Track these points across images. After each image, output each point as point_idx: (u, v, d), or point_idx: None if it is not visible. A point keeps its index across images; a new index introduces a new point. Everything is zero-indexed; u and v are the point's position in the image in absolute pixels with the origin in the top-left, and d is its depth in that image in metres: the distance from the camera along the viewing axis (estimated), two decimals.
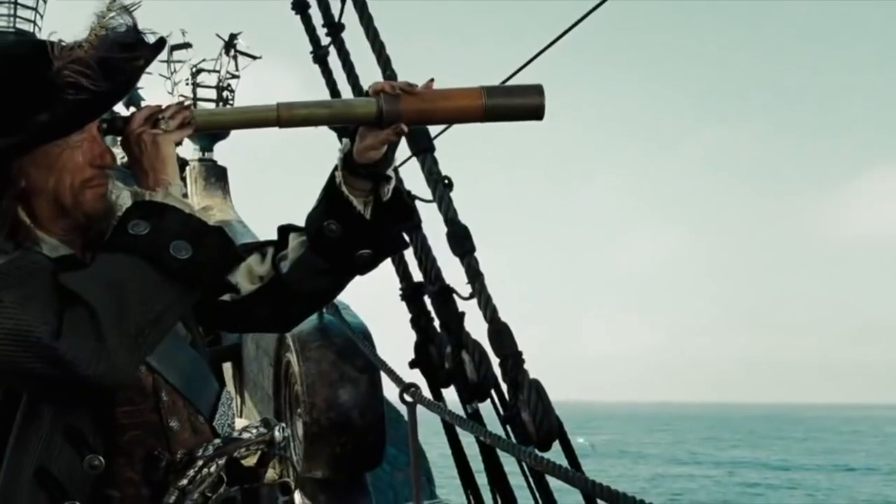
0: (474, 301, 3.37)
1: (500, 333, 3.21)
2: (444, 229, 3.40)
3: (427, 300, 3.79)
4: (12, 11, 13.54)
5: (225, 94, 12.45)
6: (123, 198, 2.05)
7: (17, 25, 13.54)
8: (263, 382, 5.10)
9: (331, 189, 2.14)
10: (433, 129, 3.49)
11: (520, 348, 3.20)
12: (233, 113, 2.10)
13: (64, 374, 1.73)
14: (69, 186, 1.97)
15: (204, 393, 2.09)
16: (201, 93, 12.06)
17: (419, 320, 3.84)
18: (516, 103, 2.06)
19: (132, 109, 2.12)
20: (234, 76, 11.99)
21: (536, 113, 2.06)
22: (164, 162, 1.96)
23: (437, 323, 3.75)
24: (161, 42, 1.96)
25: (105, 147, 2.01)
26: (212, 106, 13.77)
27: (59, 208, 1.99)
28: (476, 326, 3.49)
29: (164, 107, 2.00)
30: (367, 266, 2.22)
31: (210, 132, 2.08)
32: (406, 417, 3.29)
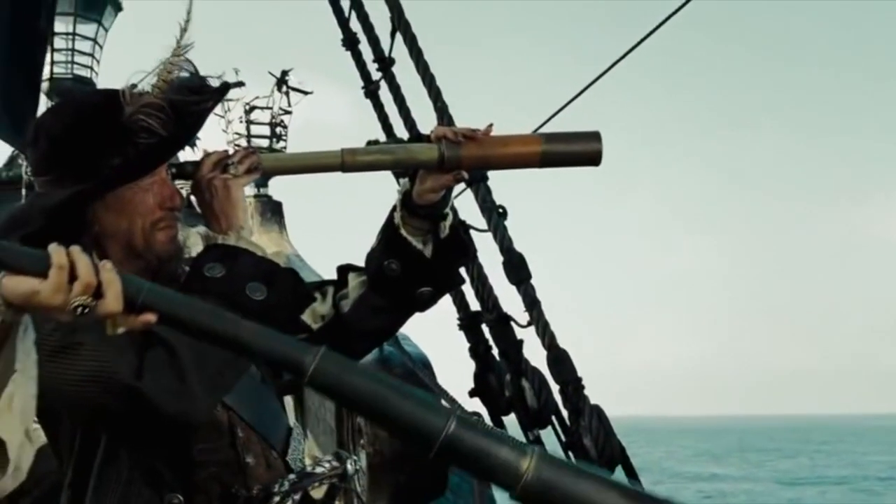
0: (530, 327, 3.38)
1: (560, 360, 3.21)
2: (499, 257, 3.42)
3: (485, 328, 3.80)
4: (70, 58, 13.90)
5: (278, 130, 12.68)
6: (192, 240, 2.10)
7: (75, 71, 13.89)
8: (325, 415, 5.15)
9: (389, 229, 2.18)
10: None
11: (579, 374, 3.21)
12: (299, 158, 2.15)
13: (146, 413, 1.78)
14: (141, 229, 2.03)
15: (276, 429, 2.13)
16: (254, 129, 12.30)
17: (478, 349, 3.84)
18: (574, 150, 2.09)
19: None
20: (286, 112, 12.21)
21: (593, 159, 2.09)
22: (235, 206, 2.03)
23: (495, 351, 3.76)
24: (225, 86, 2.03)
25: (174, 189, 2.07)
26: (265, 142, 14.07)
27: (131, 250, 2.04)
28: (533, 353, 3.51)
29: (231, 152, 2.06)
30: (427, 303, 2.26)
31: (276, 176, 2.13)
32: None
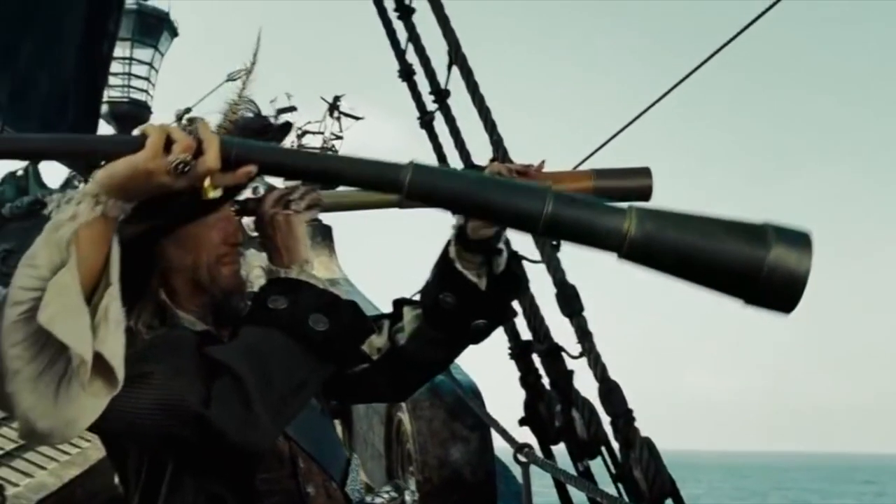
0: (578, 359, 3.40)
1: (611, 392, 3.22)
2: (552, 287, 3.44)
3: (535, 358, 3.82)
4: (127, 82, 14.16)
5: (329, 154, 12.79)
6: (255, 274, 2.16)
7: (132, 95, 14.15)
8: (374, 440, 5.19)
9: (444, 263, 2.22)
10: None
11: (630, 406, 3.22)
12: (357, 195, 2.20)
13: (213, 441, 1.83)
14: (206, 264, 2.09)
15: (336, 459, 2.18)
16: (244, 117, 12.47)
17: (528, 378, 3.87)
18: (625, 185, 2.12)
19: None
20: (337, 137, 12.30)
21: (644, 195, 2.12)
22: (297, 241, 2.08)
23: (545, 381, 3.78)
24: (287, 125, 2.10)
25: (238, 226, 2.14)
26: None
27: (196, 285, 2.11)
28: (583, 384, 3.52)
29: (292, 189, 2.12)
30: (481, 335, 2.29)
31: (335, 212, 2.19)
32: (510, 472, 3.32)
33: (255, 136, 2.02)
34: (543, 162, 2.15)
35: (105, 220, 1.62)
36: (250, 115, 2.08)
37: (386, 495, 2.11)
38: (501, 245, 2.21)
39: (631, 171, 2.13)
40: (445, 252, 2.23)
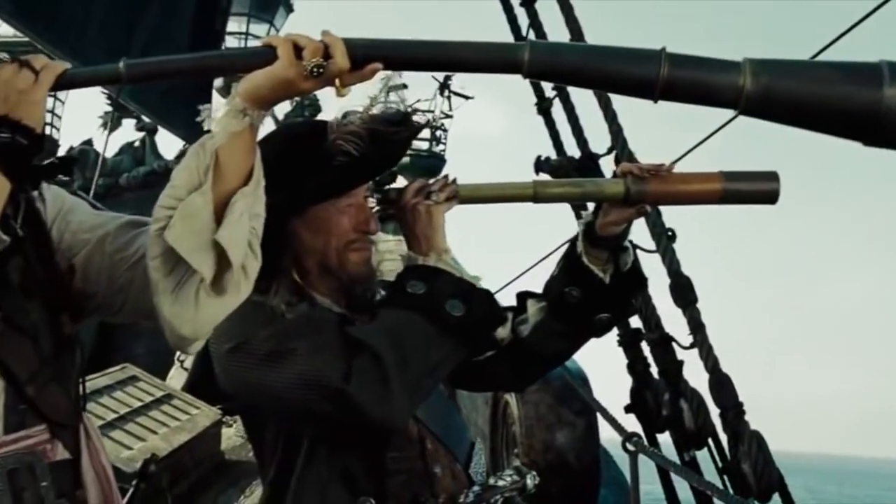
0: (689, 350, 3.41)
1: (722, 384, 3.23)
2: (664, 278, 3.45)
3: (644, 347, 3.84)
4: None
5: (437, 133, 12.88)
6: (385, 266, 2.26)
7: None
8: (477, 420, 5.24)
9: (572, 257, 2.28)
10: None
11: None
12: (493, 188, 2.26)
13: (352, 415, 1.93)
14: (335, 248, 2.16)
15: (461, 443, 2.25)
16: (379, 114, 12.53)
17: (636, 366, 3.88)
18: (753, 189, 2.12)
19: None
20: (447, 116, 12.38)
21: (771, 199, 2.12)
22: (436, 230, 2.16)
23: (653, 370, 3.80)
24: (425, 122, 2.17)
25: (370, 215, 2.21)
26: (425, 145, 14.31)
27: (325, 268, 2.19)
28: (692, 376, 3.53)
29: (431, 182, 2.21)
30: (603, 329, 2.35)
31: (472, 204, 2.25)
32: (609, 457, 3.34)
33: (389, 127, 2.11)
34: (673, 164, 2.18)
35: (252, 129, 1.74)
36: (393, 109, 2.15)
37: (508, 478, 2.16)
38: (628, 242, 2.26)
39: (759, 174, 2.13)
40: (573, 247, 2.29)
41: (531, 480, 2.15)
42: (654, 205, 2.21)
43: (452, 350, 2.04)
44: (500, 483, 2.15)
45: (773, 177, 2.11)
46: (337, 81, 1.68)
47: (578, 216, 2.36)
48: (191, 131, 10.49)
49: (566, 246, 2.34)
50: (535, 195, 2.20)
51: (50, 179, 1.80)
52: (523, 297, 2.40)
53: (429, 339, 2.00)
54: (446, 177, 2.22)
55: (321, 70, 1.65)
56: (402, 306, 2.04)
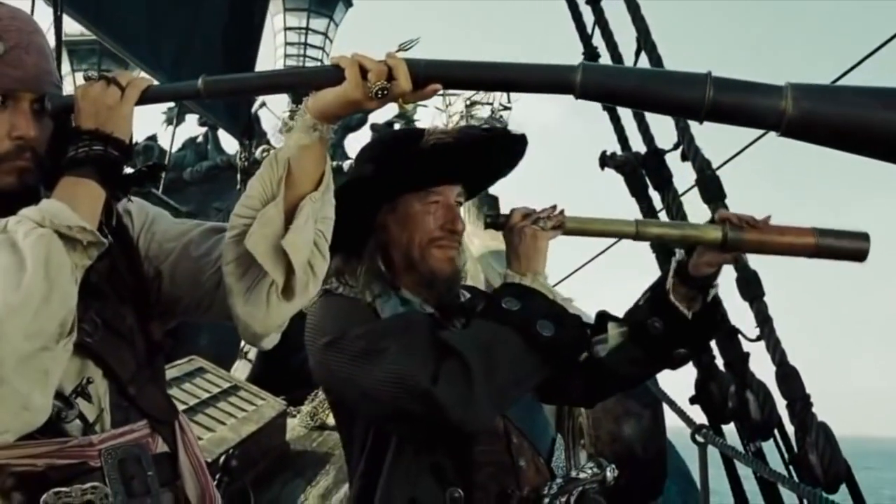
0: (756, 342, 3.42)
1: (789, 377, 3.25)
2: (731, 273, 3.46)
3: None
4: (303, 52, 14.63)
5: (497, 125, 12.86)
6: (471, 271, 2.35)
7: (307, 65, 14.58)
8: (544, 411, 5.29)
9: (659, 291, 2.38)
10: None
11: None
12: (597, 223, 2.33)
13: (436, 415, 2.02)
14: (418, 243, 2.29)
15: (544, 437, 2.33)
16: (474, 124, 12.54)
17: (702, 358, 3.89)
18: (844, 247, 2.19)
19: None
20: (505, 108, 12.38)
21: (860, 257, 2.18)
22: (538, 253, 2.25)
23: (718, 361, 3.81)
24: (519, 136, 2.31)
25: (457, 215, 2.32)
26: None
27: (409, 261, 2.31)
28: (758, 369, 3.55)
29: (540, 210, 2.30)
30: (680, 362, 2.46)
31: (575, 235, 2.34)
32: (673, 448, 3.37)
33: (476, 132, 2.21)
34: (769, 216, 2.27)
35: (321, 141, 1.86)
36: (482, 122, 2.28)
37: (589, 471, 2.22)
38: (716, 284, 2.36)
39: (851, 233, 2.20)
40: (661, 281, 2.40)
41: (611, 473, 2.22)
42: (749, 252, 2.31)
43: (537, 366, 2.13)
44: (582, 476, 2.22)
45: (864, 237, 2.18)
46: (399, 100, 1.79)
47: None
48: (234, 126, 10.75)
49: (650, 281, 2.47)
50: (637, 233, 2.31)
51: (140, 187, 1.91)
52: (603, 318, 2.49)
53: (516, 354, 2.09)
54: (554, 206, 2.30)
55: (385, 92, 1.75)
56: (495, 319, 2.13)
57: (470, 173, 2.38)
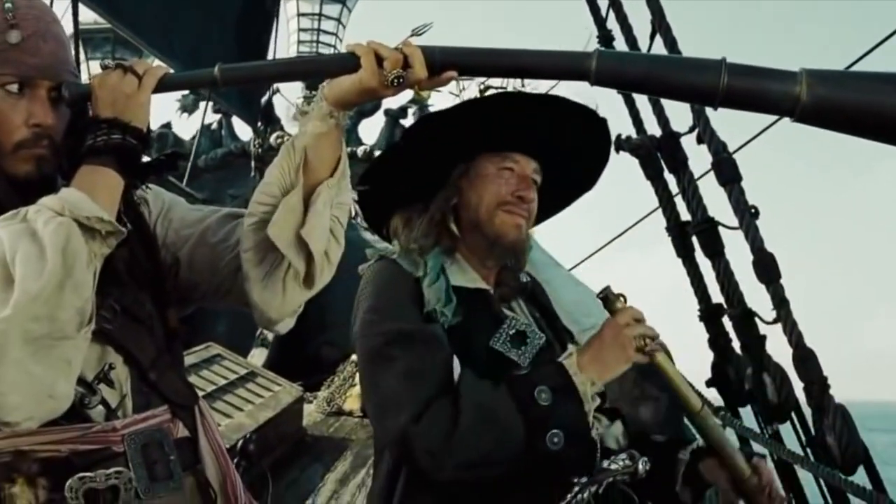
0: (772, 325, 3.42)
1: (806, 359, 3.24)
2: (748, 255, 3.46)
3: (726, 322, 3.84)
4: (316, 37, 14.62)
5: None
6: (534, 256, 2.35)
7: (320, 50, 14.61)
8: None
9: (665, 480, 2.39)
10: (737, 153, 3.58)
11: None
12: (679, 380, 2.38)
13: (406, 453, 2.05)
14: (486, 205, 2.31)
15: None
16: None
17: (717, 341, 3.88)
18: None
19: None
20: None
21: None
22: (614, 366, 2.19)
23: (735, 344, 3.80)
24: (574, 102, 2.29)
25: (530, 185, 2.34)
26: None
27: (475, 223, 2.33)
28: (775, 351, 3.54)
29: (648, 327, 2.24)
30: None
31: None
32: (690, 432, 3.35)
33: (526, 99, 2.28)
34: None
35: (337, 128, 1.90)
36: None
37: (621, 462, 2.20)
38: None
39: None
40: (671, 473, 2.40)
41: (643, 466, 2.20)
42: None
43: (523, 468, 2.09)
44: (613, 466, 2.19)
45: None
46: (415, 87, 1.82)
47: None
48: (247, 112, 10.79)
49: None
50: (702, 413, 2.39)
51: (158, 175, 1.92)
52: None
53: (513, 445, 2.05)
54: (657, 336, 2.25)
55: (401, 80, 1.76)
56: (517, 399, 2.07)
57: (548, 150, 2.38)
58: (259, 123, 11.01)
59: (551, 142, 2.35)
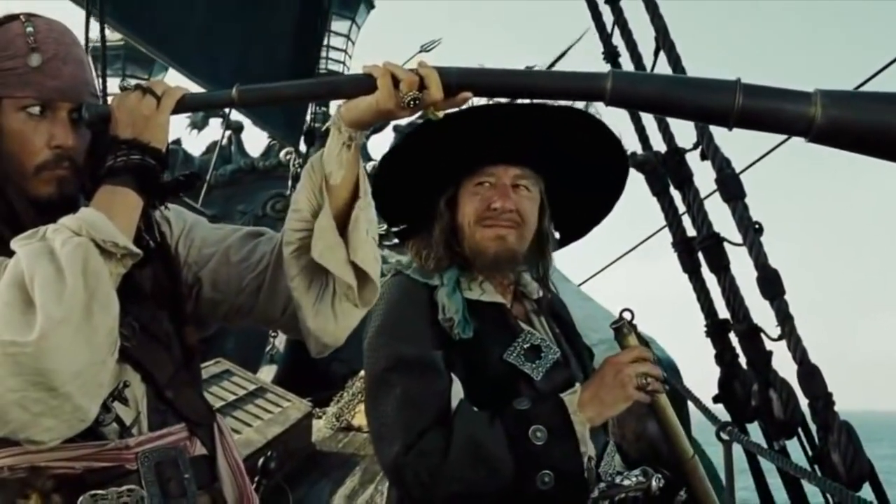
0: (777, 341, 3.42)
1: (811, 375, 3.24)
2: (752, 272, 3.46)
3: (732, 338, 3.84)
4: (325, 54, 14.61)
5: None
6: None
7: (329, 66, 14.60)
8: None
9: None
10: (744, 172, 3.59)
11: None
12: (676, 430, 2.50)
13: (398, 482, 2.11)
14: (468, 224, 2.36)
15: (596, 441, 2.29)
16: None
17: (724, 356, 3.88)
18: None
19: None
20: None
21: None
22: (613, 405, 2.23)
23: (741, 360, 3.80)
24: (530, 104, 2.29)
25: (504, 194, 2.36)
26: None
27: (460, 238, 2.39)
28: (780, 366, 3.55)
29: (652, 366, 2.29)
30: None
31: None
32: (699, 447, 3.36)
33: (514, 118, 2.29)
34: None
35: (355, 148, 1.92)
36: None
37: (634, 479, 2.21)
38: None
39: None
40: None
41: (656, 483, 2.21)
42: None
43: (508, 500, 2.10)
44: (626, 483, 2.22)
45: None
46: (432, 108, 1.83)
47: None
48: (290, 132, 10.81)
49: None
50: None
51: (177, 195, 1.95)
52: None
53: (503, 481, 2.07)
54: (664, 377, 2.30)
55: (417, 101, 1.78)
56: (510, 437, 2.10)
57: (521, 150, 2.38)
58: (304, 144, 11.00)
59: (544, 146, 2.37)
